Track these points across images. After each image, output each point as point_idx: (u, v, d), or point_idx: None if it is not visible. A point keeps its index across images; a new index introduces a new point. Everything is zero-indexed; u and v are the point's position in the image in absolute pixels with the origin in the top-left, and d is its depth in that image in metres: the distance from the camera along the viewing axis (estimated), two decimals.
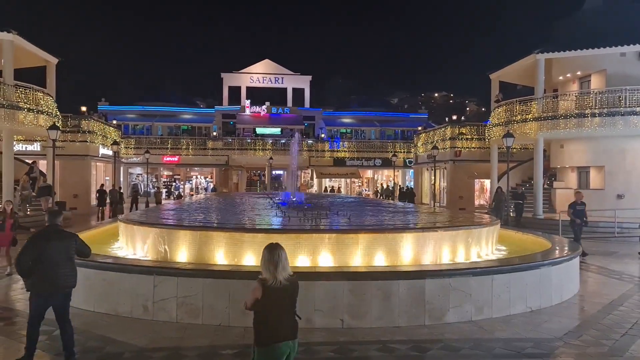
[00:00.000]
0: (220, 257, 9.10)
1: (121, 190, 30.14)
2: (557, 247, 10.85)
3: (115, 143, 31.82)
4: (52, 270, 6.08)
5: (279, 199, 17.49)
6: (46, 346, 6.76)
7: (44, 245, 6.11)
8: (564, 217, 21.25)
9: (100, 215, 25.38)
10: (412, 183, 44.11)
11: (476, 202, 33.96)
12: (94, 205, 28.75)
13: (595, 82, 26.53)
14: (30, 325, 6.20)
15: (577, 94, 24.97)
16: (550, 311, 8.70)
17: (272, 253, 4.40)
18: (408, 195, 34.33)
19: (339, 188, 46.21)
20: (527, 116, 25.49)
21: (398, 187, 40.69)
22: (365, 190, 47.38)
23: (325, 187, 45.82)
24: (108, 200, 26.08)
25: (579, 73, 27.53)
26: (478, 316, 8.13)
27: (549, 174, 29.17)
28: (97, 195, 26.06)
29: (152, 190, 41.30)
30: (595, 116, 23.32)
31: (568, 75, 28.06)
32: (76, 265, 6.49)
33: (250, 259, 8.88)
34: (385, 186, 44.44)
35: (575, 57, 25.75)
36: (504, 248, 12.16)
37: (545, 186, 27.69)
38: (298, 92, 52.60)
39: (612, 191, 24.21)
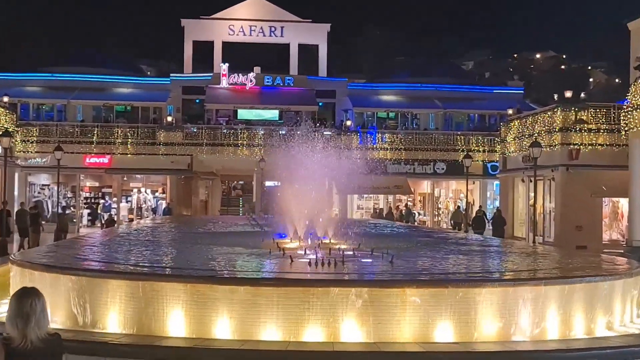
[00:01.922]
0: (176, 324, 9.11)
1: (36, 210, 30.76)
2: None
3: (5, 134, 31.96)
4: None
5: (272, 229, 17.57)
6: None
7: None
8: None
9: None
10: (497, 202, 43.88)
11: (605, 237, 33.61)
12: None
13: None
14: None
15: None
16: None
17: (22, 302, 4.74)
18: (481, 222, 34.59)
19: (380, 210, 45.75)
20: None
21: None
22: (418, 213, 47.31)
23: (375, 208, 45.33)
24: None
25: None
26: None
27: None
28: None
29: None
30: None
31: None
32: None
33: (225, 329, 8.89)
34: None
35: None
36: None
37: None
38: (308, 52, 52.84)
39: None
